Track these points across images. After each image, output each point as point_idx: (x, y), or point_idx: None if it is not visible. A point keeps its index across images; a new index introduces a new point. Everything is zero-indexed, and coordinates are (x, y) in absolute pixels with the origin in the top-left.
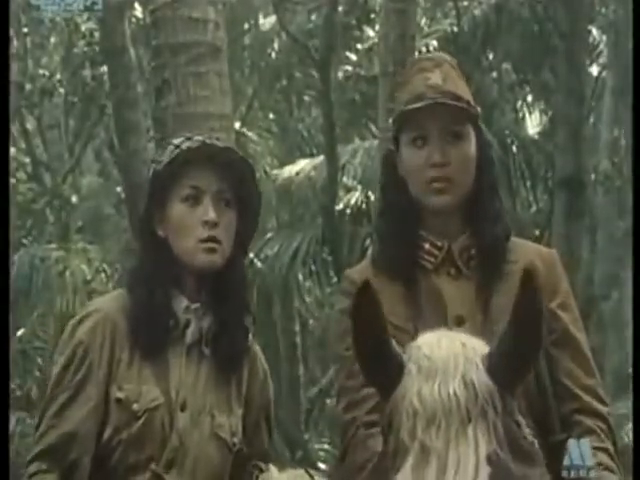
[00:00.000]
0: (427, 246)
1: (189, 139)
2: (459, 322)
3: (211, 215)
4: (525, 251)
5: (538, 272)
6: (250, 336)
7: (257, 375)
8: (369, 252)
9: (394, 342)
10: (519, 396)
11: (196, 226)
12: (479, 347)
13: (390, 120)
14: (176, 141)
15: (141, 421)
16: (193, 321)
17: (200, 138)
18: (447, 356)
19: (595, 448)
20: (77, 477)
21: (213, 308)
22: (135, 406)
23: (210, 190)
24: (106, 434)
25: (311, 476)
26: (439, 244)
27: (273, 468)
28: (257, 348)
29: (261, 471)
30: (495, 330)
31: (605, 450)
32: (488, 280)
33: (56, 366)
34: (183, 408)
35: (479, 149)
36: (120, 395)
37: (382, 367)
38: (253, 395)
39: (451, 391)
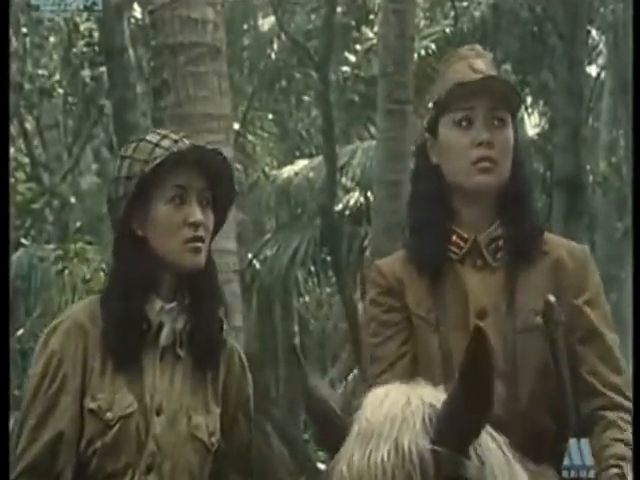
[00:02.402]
0: (454, 238)
1: (165, 137)
2: (481, 314)
3: (198, 216)
4: (555, 245)
5: (564, 265)
6: (225, 329)
7: (234, 370)
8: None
9: (336, 408)
10: (539, 394)
11: (182, 227)
12: (429, 400)
13: (430, 104)
14: (151, 138)
15: (115, 429)
16: (167, 323)
17: (175, 136)
18: (385, 418)
19: (615, 439)
20: None
21: (188, 306)
22: (108, 415)
23: (194, 190)
24: (82, 444)
25: None
26: (465, 236)
27: None
28: (234, 342)
29: None
30: (517, 323)
31: (622, 440)
32: (515, 272)
33: (32, 378)
34: (159, 412)
35: (515, 141)
36: (93, 405)
37: (327, 433)
38: (230, 391)
39: (379, 458)
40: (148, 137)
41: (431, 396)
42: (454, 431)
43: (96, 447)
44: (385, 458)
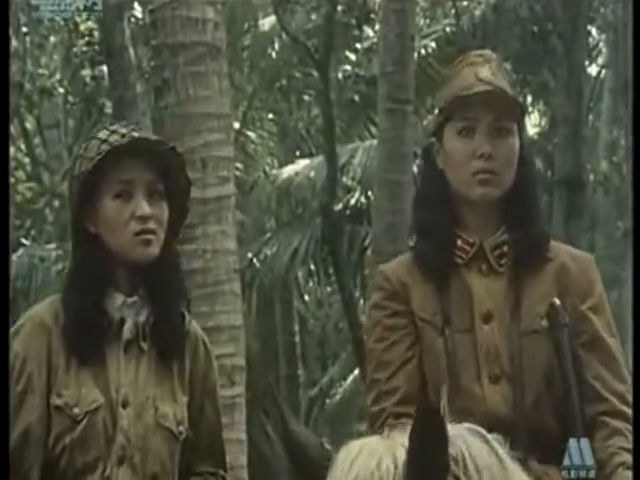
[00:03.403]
0: (459, 242)
1: (114, 132)
2: (486, 318)
3: (145, 210)
4: (559, 251)
5: (568, 271)
6: (187, 320)
7: (199, 359)
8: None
9: (315, 457)
10: (545, 396)
11: (129, 221)
12: (402, 458)
13: (436, 110)
14: (102, 135)
15: (82, 424)
16: (129, 317)
17: (124, 130)
18: None
19: (621, 448)
20: None
21: (150, 300)
22: (75, 410)
23: (141, 183)
24: (50, 442)
25: None
26: (471, 240)
27: None
28: (198, 331)
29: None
30: (522, 327)
31: (630, 451)
32: (521, 277)
33: None
34: (125, 405)
35: (521, 147)
36: (59, 402)
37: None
38: (196, 380)
39: None
40: (99, 134)
41: (405, 452)
42: None
43: (65, 443)
44: None
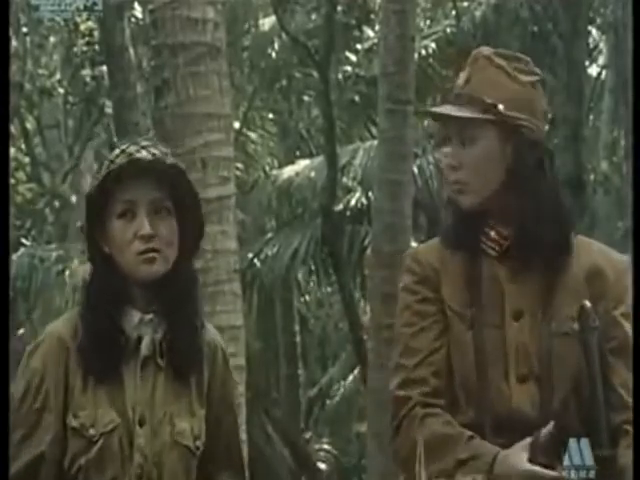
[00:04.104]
0: (493, 234)
1: (123, 152)
2: (517, 315)
3: (146, 229)
4: (594, 251)
5: (604, 274)
6: (204, 329)
7: (217, 369)
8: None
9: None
10: (572, 398)
11: (133, 240)
12: None
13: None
14: (112, 155)
15: (98, 445)
16: (146, 334)
17: (133, 149)
18: None
19: None
20: None
21: (166, 316)
22: (91, 431)
23: (144, 202)
24: (66, 462)
25: None
26: (505, 233)
27: None
28: (216, 338)
29: None
30: (553, 327)
31: None
32: (553, 275)
33: (16, 392)
34: (142, 423)
35: (514, 152)
36: (75, 424)
37: None
38: (215, 390)
39: None
40: (111, 155)
41: None
42: None
43: (80, 464)
44: None
